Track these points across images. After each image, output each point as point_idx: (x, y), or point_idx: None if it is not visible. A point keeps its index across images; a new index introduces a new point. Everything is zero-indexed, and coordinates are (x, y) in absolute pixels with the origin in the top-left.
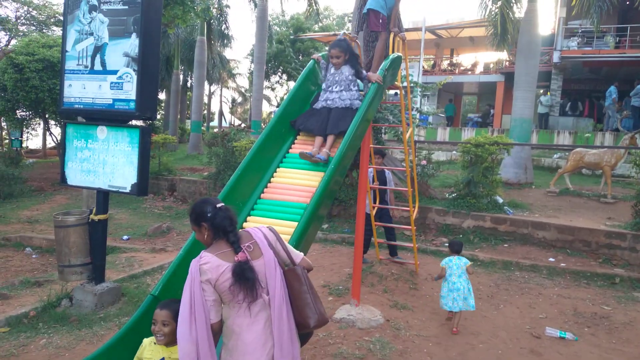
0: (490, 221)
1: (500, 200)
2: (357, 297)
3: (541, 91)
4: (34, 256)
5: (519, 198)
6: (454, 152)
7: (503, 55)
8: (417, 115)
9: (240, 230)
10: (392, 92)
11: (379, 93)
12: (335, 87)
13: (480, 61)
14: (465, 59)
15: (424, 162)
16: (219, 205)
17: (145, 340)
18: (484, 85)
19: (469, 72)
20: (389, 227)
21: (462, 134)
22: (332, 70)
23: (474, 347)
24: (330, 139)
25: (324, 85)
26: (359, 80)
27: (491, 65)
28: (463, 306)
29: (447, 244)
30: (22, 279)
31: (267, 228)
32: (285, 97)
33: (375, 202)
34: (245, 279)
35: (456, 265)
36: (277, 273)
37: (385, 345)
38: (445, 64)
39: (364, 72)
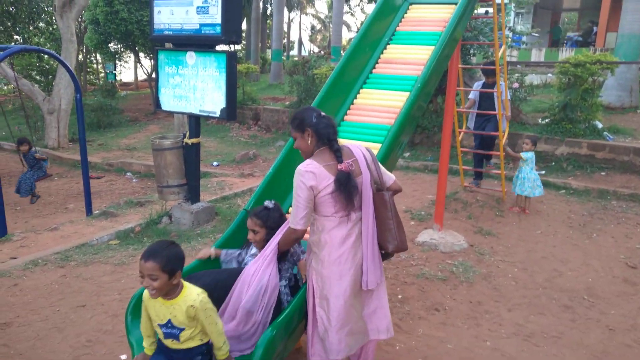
0: (587, 147)
1: (600, 126)
2: (440, 221)
3: None
4: (134, 180)
5: (621, 123)
6: (550, 74)
7: None
8: (510, 35)
9: (341, 145)
10: (483, 10)
11: (468, 8)
12: None
13: None
14: None
15: (515, 85)
16: (322, 113)
17: (145, 294)
18: (587, 0)
19: None
20: (480, 153)
21: (560, 55)
22: None
23: (562, 274)
24: None
25: None
26: None
27: None
28: (529, 193)
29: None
30: (126, 199)
31: (365, 148)
32: (366, 18)
33: (471, 126)
34: (348, 188)
35: (531, 159)
36: (370, 193)
37: (469, 269)
38: None
39: None
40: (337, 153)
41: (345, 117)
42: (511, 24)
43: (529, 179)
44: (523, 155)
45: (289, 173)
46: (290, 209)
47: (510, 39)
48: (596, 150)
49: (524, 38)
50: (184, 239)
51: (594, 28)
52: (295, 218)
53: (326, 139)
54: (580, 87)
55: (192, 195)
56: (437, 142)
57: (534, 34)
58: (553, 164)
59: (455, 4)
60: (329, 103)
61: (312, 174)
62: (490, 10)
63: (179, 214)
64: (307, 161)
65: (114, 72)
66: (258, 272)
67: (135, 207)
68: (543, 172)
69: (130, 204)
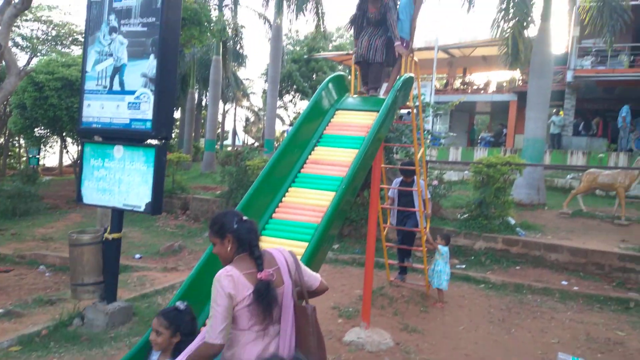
0: (502, 243)
1: (513, 222)
2: (367, 319)
3: (554, 110)
4: (47, 274)
5: (531, 219)
6: (466, 172)
7: (516, 74)
8: (429, 137)
9: (263, 250)
10: (404, 111)
11: (390, 112)
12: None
13: (492, 80)
14: (477, 77)
15: (435, 182)
16: (244, 217)
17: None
18: (497, 105)
19: (482, 92)
20: (403, 248)
21: (475, 154)
22: None
23: None
24: None
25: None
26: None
27: (504, 84)
28: (445, 286)
29: (458, 266)
30: (35, 297)
31: (288, 252)
32: (298, 116)
33: (394, 222)
34: (267, 299)
35: (446, 253)
36: (291, 305)
37: None
38: (457, 83)
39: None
40: (258, 260)
41: (274, 215)
42: (430, 126)
43: (444, 271)
44: (440, 247)
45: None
46: (207, 321)
47: (428, 140)
48: (510, 245)
49: (442, 140)
50: (96, 344)
51: (504, 130)
52: (213, 331)
53: (247, 245)
54: (493, 185)
55: (109, 294)
56: (365, 235)
57: (451, 135)
58: (472, 258)
59: (378, 111)
60: (259, 200)
61: (232, 282)
62: (409, 112)
63: (92, 315)
64: (227, 268)
65: (37, 156)
66: None
67: (44, 306)
68: (463, 266)
69: (40, 302)
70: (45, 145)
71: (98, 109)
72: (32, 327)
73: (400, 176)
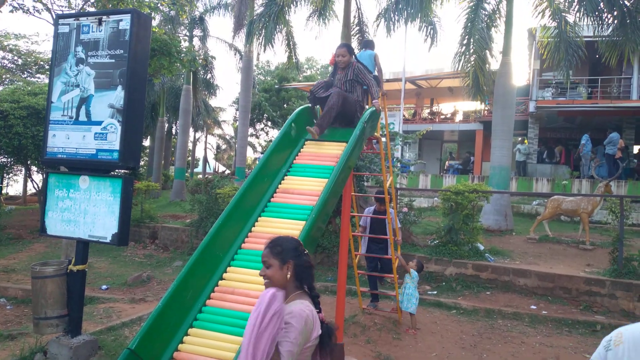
0: (472, 268)
1: (482, 247)
2: None
3: (519, 139)
4: (8, 307)
5: (499, 245)
6: (436, 198)
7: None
8: (398, 165)
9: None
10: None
11: (359, 142)
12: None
13: (459, 110)
14: (445, 107)
15: (405, 209)
16: (305, 250)
17: None
18: (464, 134)
19: (449, 121)
20: (374, 275)
21: (443, 181)
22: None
23: None
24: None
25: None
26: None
27: (470, 114)
28: (413, 310)
29: (430, 292)
30: None
31: None
32: (269, 145)
33: (364, 251)
34: (330, 345)
35: (416, 278)
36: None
37: None
38: (425, 112)
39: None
40: (317, 299)
41: (243, 245)
42: (399, 154)
43: (413, 295)
44: (412, 271)
45: (185, 301)
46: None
47: (397, 168)
48: (480, 271)
49: (412, 168)
50: None
51: (472, 158)
52: None
53: (306, 279)
54: (462, 212)
55: (73, 327)
56: (337, 262)
57: (420, 162)
58: (444, 283)
59: (346, 142)
60: (228, 229)
61: (316, 321)
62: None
63: (56, 350)
64: (305, 302)
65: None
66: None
67: (4, 341)
68: (435, 292)
69: (0, 337)
70: (8, 174)
71: (64, 139)
72: None
73: (372, 205)
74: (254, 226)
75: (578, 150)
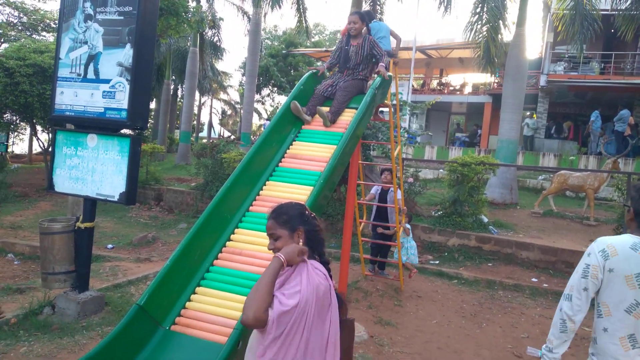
0: (475, 240)
1: (485, 220)
2: None
3: (527, 113)
4: (16, 262)
5: (503, 218)
6: (441, 170)
7: (491, 76)
8: (405, 135)
9: None
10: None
11: (369, 109)
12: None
13: (469, 82)
14: (454, 79)
15: (410, 180)
16: (312, 213)
17: None
18: (472, 106)
19: (458, 93)
20: (379, 243)
21: (450, 153)
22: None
23: None
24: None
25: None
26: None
27: (480, 87)
28: (413, 259)
29: (432, 262)
30: (4, 285)
31: None
32: (276, 110)
33: (374, 219)
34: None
35: (408, 227)
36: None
37: None
38: (434, 83)
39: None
40: (327, 266)
41: (251, 208)
42: (406, 124)
43: (412, 245)
44: (405, 225)
45: (191, 263)
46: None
47: (405, 138)
48: (483, 243)
49: (418, 139)
50: (67, 333)
51: (479, 130)
52: None
53: (319, 245)
54: (467, 184)
55: (80, 283)
56: (341, 229)
57: (427, 133)
58: (446, 254)
59: (355, 109)
60: (236, 192)
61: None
62: (386, 109)
63: (63, 304)
64: (320, 272)
65: (5, 143)
66: None
67: (13, 295)
68: (437, 262)
69: (8, 290)
70: (14, 132)
71: (71, 97)
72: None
73: (377, 174)
74: (262, 190)
75: (587, 127)
